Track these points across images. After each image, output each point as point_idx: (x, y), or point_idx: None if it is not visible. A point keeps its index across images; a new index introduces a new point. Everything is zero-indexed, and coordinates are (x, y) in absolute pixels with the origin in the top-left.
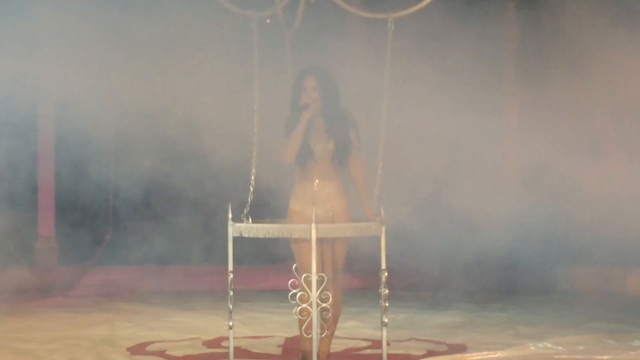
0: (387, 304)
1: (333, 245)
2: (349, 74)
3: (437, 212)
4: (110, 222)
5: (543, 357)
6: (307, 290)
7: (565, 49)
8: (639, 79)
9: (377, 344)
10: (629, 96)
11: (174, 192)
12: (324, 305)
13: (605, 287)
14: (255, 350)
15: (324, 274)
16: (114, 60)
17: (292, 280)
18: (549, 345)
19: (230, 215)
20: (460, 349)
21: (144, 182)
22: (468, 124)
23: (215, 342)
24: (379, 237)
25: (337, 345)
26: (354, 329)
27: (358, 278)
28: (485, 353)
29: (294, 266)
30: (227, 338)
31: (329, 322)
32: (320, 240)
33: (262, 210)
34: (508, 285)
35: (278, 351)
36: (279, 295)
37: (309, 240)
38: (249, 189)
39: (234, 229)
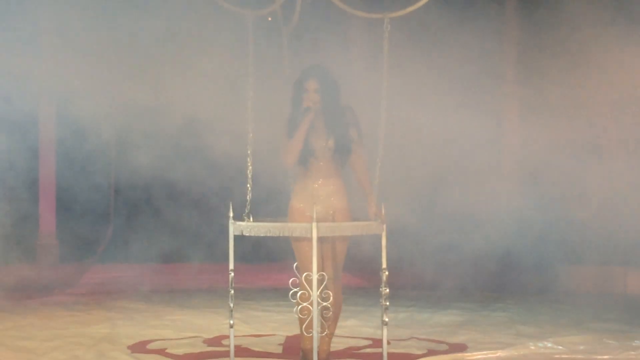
0: (387, 303)
1: (333, 243)
2: (346, 73)
3: (437, 211)
4: (111, 220)
5: (543, 356)
6: (308, 289)
7: (565, 49)
8: (638, 79)
9: (377, 342)
10: (629, 96)
11: (175, 189)
12: (324, 304)
13: (605, 287)
14: (256, 349)
15: (324, 273)
16: (114, 57)
17: (292, 278)
18: (549, 344)
19: (231, 214)
20: (461, 348)
21: (145, 180)
22: (468, 124)
23: (216, 341)
24: (380, 236)
25: (337, 344)
26: (354, 327)
27: (358, 277)
28: (485, 352)
29: (294, 265)
30: (227, 336)
31: (330, 321)
32: (320, 239)
33: (263, 208)
34: (509, 285)
35: (278, 350)
36: (280, 293)
37: (310, 239)
38: (247, 188)
39: (234, 228)
